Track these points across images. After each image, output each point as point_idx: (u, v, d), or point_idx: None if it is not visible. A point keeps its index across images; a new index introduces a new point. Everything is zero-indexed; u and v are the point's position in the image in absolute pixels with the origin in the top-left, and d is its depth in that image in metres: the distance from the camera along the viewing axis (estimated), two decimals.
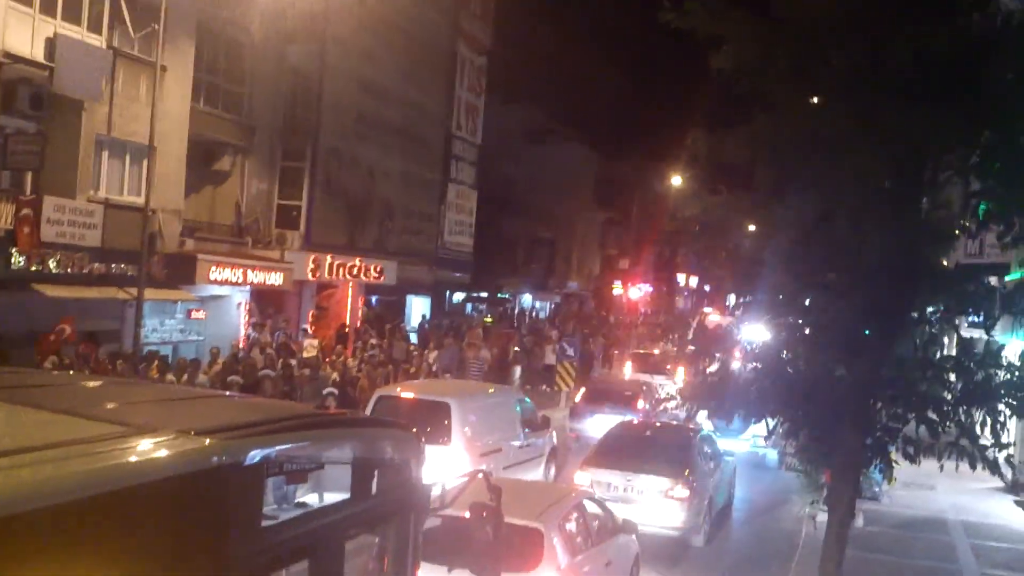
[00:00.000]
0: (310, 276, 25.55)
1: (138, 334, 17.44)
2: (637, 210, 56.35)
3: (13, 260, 16.67)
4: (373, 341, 23.54)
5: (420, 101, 32.55)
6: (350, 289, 28.03)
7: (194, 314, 21.83)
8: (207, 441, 2.88)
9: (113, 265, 18.46)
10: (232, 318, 23.04)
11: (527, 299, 49.84)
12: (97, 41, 18.13)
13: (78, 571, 2.32)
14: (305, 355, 19.78)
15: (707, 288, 77.78)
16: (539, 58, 45.35)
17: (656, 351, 30.57)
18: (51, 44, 17.08)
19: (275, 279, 23.82)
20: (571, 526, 8.82)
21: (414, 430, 4.42)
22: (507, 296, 46.72)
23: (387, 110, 30.29)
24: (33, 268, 16.97)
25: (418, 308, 35.06)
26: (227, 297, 22.93)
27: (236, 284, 22.50)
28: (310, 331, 24.32)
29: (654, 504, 12.48)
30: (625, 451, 13.59)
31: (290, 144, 25.73)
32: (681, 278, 74.83)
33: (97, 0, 18.22)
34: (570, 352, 26.43)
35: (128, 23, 19.24)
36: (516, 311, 46.67)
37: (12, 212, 16.63)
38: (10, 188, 17.13)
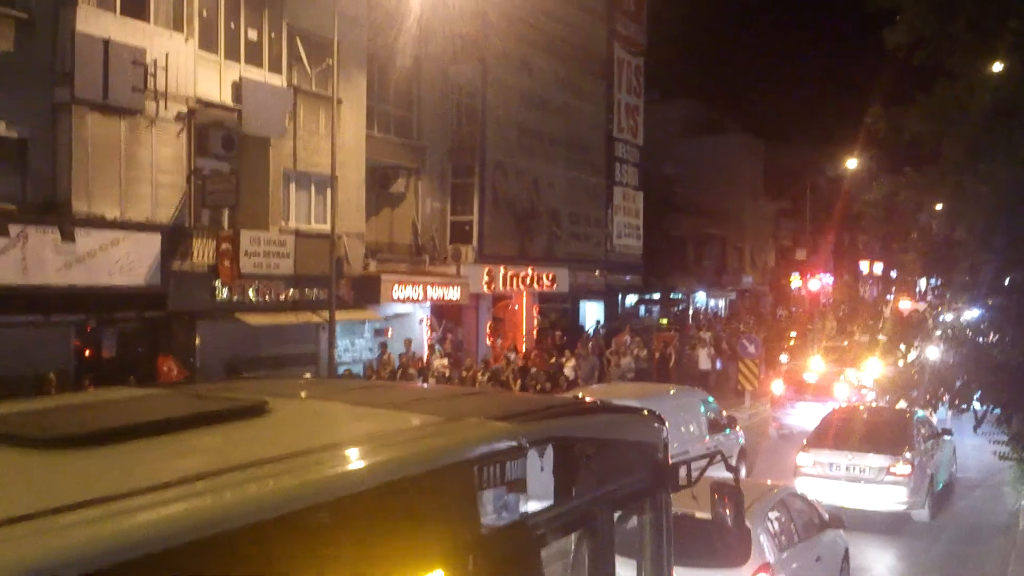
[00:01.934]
0: (485, 288, 26.19)
1: (332, 354, 18.43)
2: (811, 198, 54.22)
3: (217, 292, 18.05)
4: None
5: (580, 107, 32.75)
6: (524, 299, 28.54)
7: (380, 332, 22.85)
8: (507, 425, 3.49)
9: (305, 290, 19.65)
10: (416, 334, 23.97)
11: (701, 297, 48.95)
12: (278, 81, 19.40)
13: (435, 515, 3.01)
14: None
15: (893, 274, 73.76)
16: (695, 51, 44.62)
17: (845, 342, 29.25)
18: (237, 87, 18.43)
19: (453, 294, 24.59)
20: (777, 522, 8.68)
21: (659, 414, 4.83)
22: (680, 296, 46.08)
23: (548, 119, 30.65)
24: (235, 298, 18.31)
25: (592, 313, 35.17)
26: (410, 314, 23.89)
27: (417, 301, 23.41)
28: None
29: (876, 482, 13.00)
30: (844, 433, 14.24)
31: (458, 161, 26.52)
32: (864, 265, 71.33)
33: (276, 42, 19.51)
34: (751, 349, 25.80)
35: (305, 61, 20.51)
36: (691, 310, 45.96)
37: (213, 247, 18.02)
38: (210, 225, 18.55)
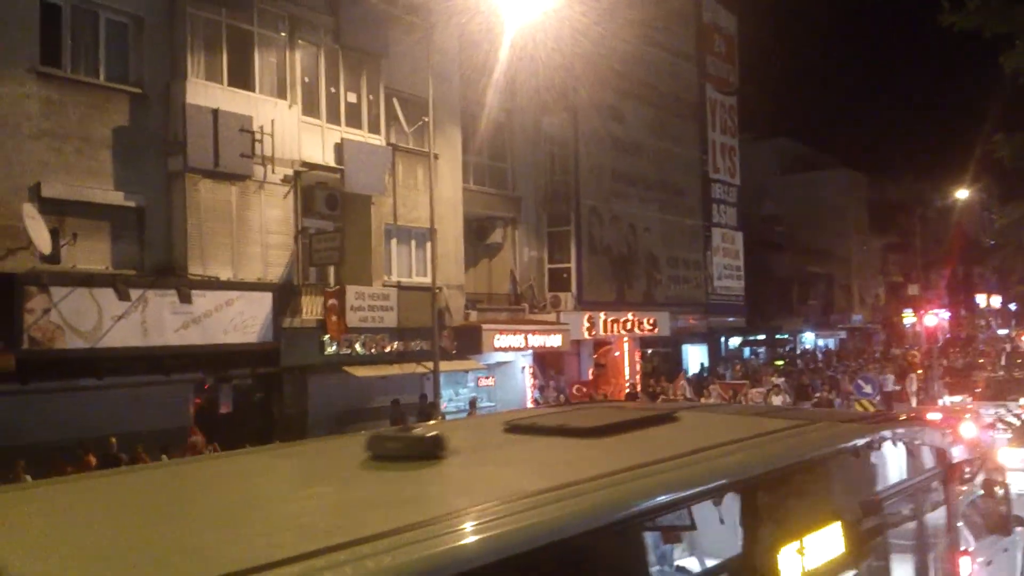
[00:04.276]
0: (586, 335, 26.04)
1: (437, 404, 18.56)
2: (920, 231, 52.30)
3: (325, 346, 18.46)
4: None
5: (673, 150, 32.61)
6: (625, 344, 28.25)
7: (483, 381, 22.94)
8: (856, 425, 4.55)
9: (409, 342, 19.91)
10: (518, 382, 23.96)
11: (808, 338, 47.53)
12: (377, 140, 19.96)
13: (823, 489, 4.00)
14: None
15: (1012, 307, 70.21)
16: (790, 88, 44.00)
17: (975, 378, 27.63)
18: (339, 149, 19.02)
19: (553, 341, 24.52)
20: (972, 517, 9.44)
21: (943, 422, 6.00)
22: (786, 336, 44.87)
23: (641, 164, 30.62)
24: (343, 352, 18.69)
25: (695, 356, 34.57)
26: (511, 362, 23.91)
27: (518, 349, 23.42)
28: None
29: None
30: None
31: (553, 210, 26.67)
32: (980, 299, 68.23)
33: (374, 104, 20.12)
34: (867, 390, 24.83)
35: (402, 120, 21.07)
36: (798, 351, 44.66)
37: (321, 303, 18.48)
38: (316, 283, 19.06)
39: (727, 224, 36.26)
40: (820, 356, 43.38)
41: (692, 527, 3.55)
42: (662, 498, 3.15)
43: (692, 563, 3.58)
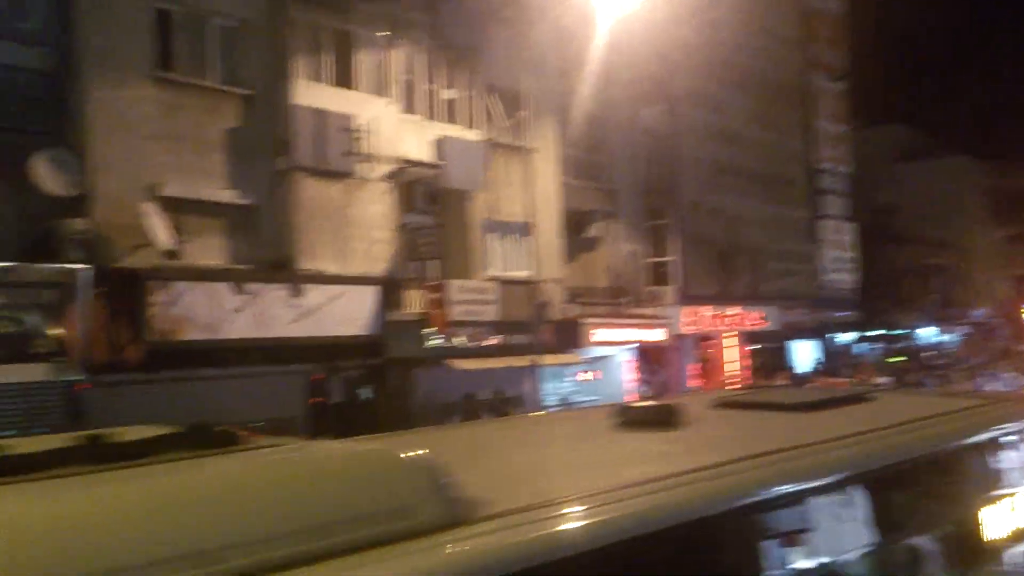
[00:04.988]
0: (688, 329, 25.74)
1: (538, 398, 18.70)
2: None
3: (428, 339, 18.83)
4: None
5: (777, 140, 31.89)
6: (731, 339, 27.80)
7: (583, 375, 22.95)
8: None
9: (510, 336, 20.10)
10: (618, 376, 23.88)
11: (927, 333, 45.65)
12: (474, 136, 20.24)
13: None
14: None
15: None
16: (904, 71, 42.39)
17: None
18: (437, 145, 19.38)
19: (655, 335, 24.36)
20: None
21: None
22: (902, 332, 43.21)
23: (744, 155, 30.04)
24: (444, 344, 19.03)
25: (803, 353, 33.67)
26: (612, 357, 23.86)
27: (619, 343, 23.36)
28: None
29: None
30: None
31: (653, 203, 26.45)
32: None
33: (471, 99, 20.42)
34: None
35: (499, 114, 21.32)
36: (917, 347, 42.93)
37: (423, 297, 18.86)
38: (418, 276, 19.46)
39: (837, 215, 35.19)
40: (954, 350, 41.52)
41: (908, 487, 3.85)
42: (886, 460, 3.62)
43: (904, 516, 3.74)
